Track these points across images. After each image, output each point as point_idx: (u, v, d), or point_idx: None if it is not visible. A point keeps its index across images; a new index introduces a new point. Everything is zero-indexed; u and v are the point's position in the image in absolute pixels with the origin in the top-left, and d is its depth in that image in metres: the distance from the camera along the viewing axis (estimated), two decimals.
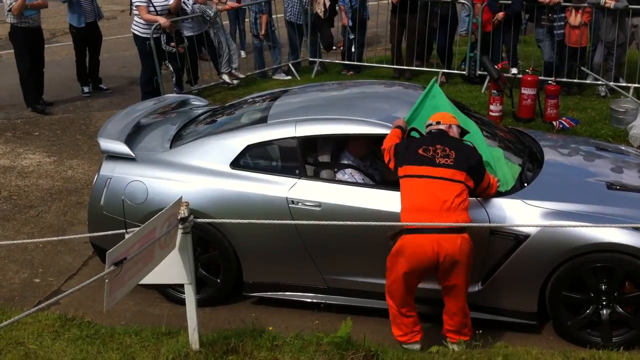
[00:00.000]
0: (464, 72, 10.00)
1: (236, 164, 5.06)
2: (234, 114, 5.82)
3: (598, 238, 4.44)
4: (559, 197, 4.72)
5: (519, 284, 4.63)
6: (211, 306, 5.13)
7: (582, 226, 4.44)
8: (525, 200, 4.66)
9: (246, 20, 11.16)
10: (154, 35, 8.87)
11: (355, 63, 10.55)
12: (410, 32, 10.11)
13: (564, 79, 9.18)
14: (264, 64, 10.57)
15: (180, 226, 4.08)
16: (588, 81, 9.29)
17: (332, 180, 4.97)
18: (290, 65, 10.61)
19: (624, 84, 9.02)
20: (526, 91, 8.38)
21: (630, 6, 8.75)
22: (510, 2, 9.43)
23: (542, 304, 4.68)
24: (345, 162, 5.07)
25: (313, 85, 6.61)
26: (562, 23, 9.25)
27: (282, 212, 4.83)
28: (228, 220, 4.73)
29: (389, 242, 4.38)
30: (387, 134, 4.78)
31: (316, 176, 5.01)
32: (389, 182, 4.96)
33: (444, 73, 10.02)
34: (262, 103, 5.81)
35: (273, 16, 10.47)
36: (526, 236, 4.53)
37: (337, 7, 10.51)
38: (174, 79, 9.43)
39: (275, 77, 10.57)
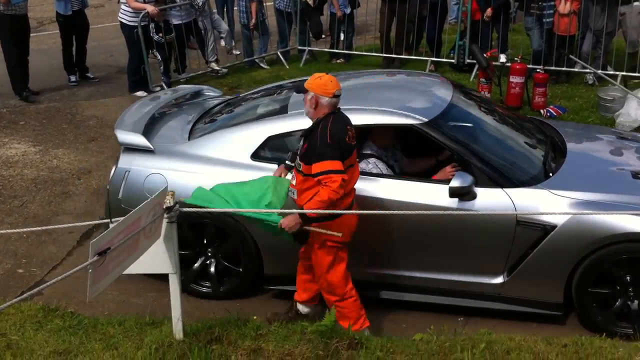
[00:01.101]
0: (453, 61, 9.98)
1: (257, 155, 4.97)
2: (251, 104, 5.74)
3: (626, 228, 4.40)
4: (585, 187, 4.67)
5: (546, 275, 4.58)
6: (230, 299, 5.08)
7: (607, 214, 4.38)
8: (552, 190, 4.61)
9: (234, 8, 11.08)
10: (142, 24, 8.80)
11: (344, 51, 10.51)
12: (400, 21, 10.08)
13: (553, 67, 9.18)
14: (252, 53, 10.50)
15: (165, 215, 4.05)
16: (576, 69, 9.29)
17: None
18: (279, 53, 10.54)
19: (611, 72, 9.01)
20: (514, 79, 8.37)
21: None
22: None
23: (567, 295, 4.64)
24: (369, 151, 4.98)
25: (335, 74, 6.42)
26: (552, 11, 9.23)
27: None
28: (214, 210, 4.68)
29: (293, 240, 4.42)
30: (411, 124, 4.78)
31: None
32: (413, 173, 4.99)
33: (433, 61, 10.00)
34: (280, 94, 5.71)
35: (268, 4, 10.41)
36: (553, 226, 4.48)
37: None
38: (161, 67, 9.36)
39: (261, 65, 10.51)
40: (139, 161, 5.16)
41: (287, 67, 10.25)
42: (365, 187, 4.72)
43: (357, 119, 4.85)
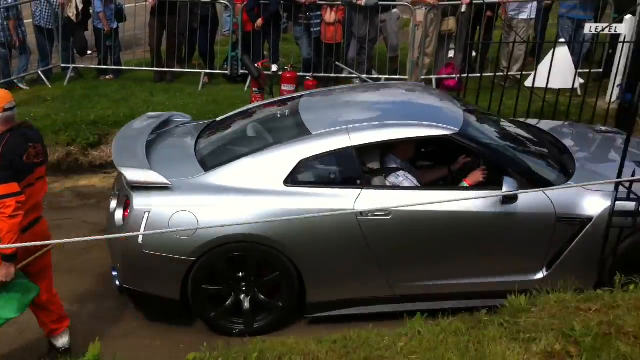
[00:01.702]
0: (226, 72, 9.94)
1: (290, 180, 4.72)
2: (252, 127, 5.42)
3: None
4: (609, 179, 4.85)
5: (583, 265, 4.80)
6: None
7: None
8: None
9: None
10: None
11: (113, 67, 10.03)
12: (170, 34, 9.84)
13: (322, 74, 9.48)
14: (10, 74, 9.61)
15: None
16: (344, 75, 9.66)
17: (397, 186, 4.82)
18: (40, 72, 9.76)
19: (376, 76, 9.53)
20: (286, 87, 8.51)
21: (380, 3, 9.25)
22: (267, 1, 9.52)
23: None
24: (394, 165, 4.98)
25: (325, 90, 6.20)
26: (318, 21, 9.55)
27: (351, 226, 4.59)
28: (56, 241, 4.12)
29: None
30: (445, 135, 4.79)
31: (373, 183, 4.83)
32: (449, 182, 5.23)
33: (206, 74, 9.88)
34: (281, 111, 5.43)
35: (25, 21, 9.60)
36: (590, 218, 4.71)
37: (90, 10, 9.92)
38: None
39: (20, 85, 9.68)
40: (159, 200, 4.61)
41: (50, 86, 9.51)
42: (410, 202, 4.57)
43: (390, 133, 4.88)
